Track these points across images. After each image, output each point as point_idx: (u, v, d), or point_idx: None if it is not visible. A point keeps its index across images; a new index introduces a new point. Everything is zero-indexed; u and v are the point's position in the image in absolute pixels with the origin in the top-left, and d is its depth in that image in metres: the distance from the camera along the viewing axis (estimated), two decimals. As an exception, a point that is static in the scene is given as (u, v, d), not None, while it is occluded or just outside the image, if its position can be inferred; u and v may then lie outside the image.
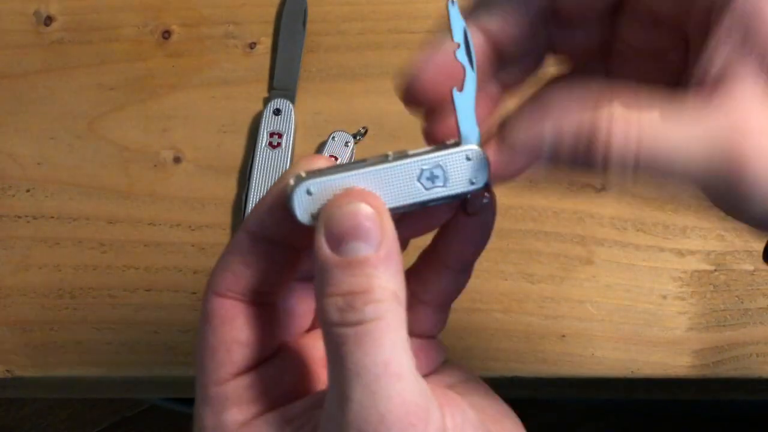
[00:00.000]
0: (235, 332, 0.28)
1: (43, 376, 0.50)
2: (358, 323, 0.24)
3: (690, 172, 0.25)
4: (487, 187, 0.28)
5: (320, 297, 0.25)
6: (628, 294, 0.50)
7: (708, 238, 0.50)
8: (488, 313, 0.50)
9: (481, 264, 0.53)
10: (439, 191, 0.27)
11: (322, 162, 0.27)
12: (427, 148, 0.28)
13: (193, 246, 0.52)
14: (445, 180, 0.27)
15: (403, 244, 0.30)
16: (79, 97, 0.55)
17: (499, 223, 0.55)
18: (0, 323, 0.51)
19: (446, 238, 0.30)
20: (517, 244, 0.51)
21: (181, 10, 0.56)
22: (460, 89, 0.28)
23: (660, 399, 0.54)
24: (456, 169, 0.27)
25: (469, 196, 0.28)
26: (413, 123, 0.53)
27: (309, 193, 0.26)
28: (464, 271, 0.31)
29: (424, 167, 0.27)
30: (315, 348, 0.31)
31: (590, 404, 1.04)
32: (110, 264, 0.52)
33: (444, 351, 0.33)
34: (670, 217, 0.51)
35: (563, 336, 0.49)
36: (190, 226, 0.52)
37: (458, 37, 0.28)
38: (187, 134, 0.54)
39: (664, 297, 0.50)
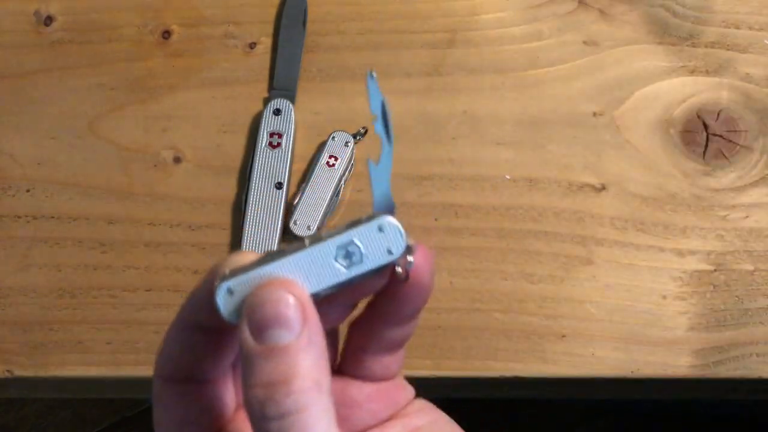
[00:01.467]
0: (182, 413, 0.29)
1: (43, 376, 0.50)
2: (280, 417, 0.24)
3: None
4: (408, 251, 0.28)
5: (244, 388, 0.25)
6: (628, 294, 0.50)
7: (708, 238, 0.50)
8: (488, 313, 0.50)
9: (481, 264, 0.53)
10: (358, 267, 0.27)
11: (248, 257, 0.27)
12: (341, 227, 0.27)
13: (193, 246, 0.52)
14: (362, 255, 0.27)
15: (349, 309, 0.30)
16: (79, 97, 0.55)
17: (499, 222, 0.55)
18: (0, 323, 0.51)
19: (385, 301, 0.30)
20: (517, 244, 0.51)
21: (181, 10, 0.56)
22: (376, 161, 0.28)
23: (660, 399, 0.54)
24: (371, 243, 0.27)
25: (395, 265, 0.28)
26: (413, 123, 0.53)
27: (231, 292, 0.26)
28: (409, 323, 0.31)
29: (339, 246, 0.27)
30: None
31: (590, 404, 1.04)
32: (110, 264, 0.52)
33: (410, 389, 0.33)
34: (670, 217, 0.51)
35: (563, 336, 0.49)
36: (190, 226, 0.52)
37: (376, 109, 0.28)
38: (187, 134, 0.54)
39: (664, 297, 0.50)
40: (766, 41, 0.53)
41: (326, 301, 0.27)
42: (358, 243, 0.27)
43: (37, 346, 0.51)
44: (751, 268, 0.50)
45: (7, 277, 0.52)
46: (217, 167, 0.53)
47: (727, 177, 0.51)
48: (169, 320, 0.50)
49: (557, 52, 0.54)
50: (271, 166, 0.52)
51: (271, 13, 0.56)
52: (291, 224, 0.51)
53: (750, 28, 0.54)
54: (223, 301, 0.26)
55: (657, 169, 0.52)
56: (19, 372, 0.50)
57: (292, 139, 0.52)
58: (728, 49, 0.53)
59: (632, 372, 0.49)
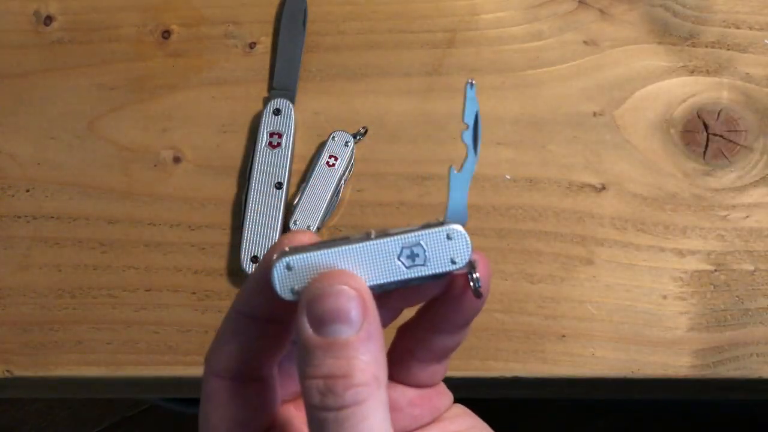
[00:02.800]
0: (233, 411, 0.29)
1: (43, 376, 0.50)
2: (339, 408, 0.25)
3: None
4: (472, 267, 0.28)
5: (302, 378, 0.26)
6: (628, 294, 0.50)
7: (708, 238, 0.50)
8: (488, 313, 0.50)
9: (481, 264, 0.52)
10: (419, 270, 0.27)
11: (306, 237, 0.28)
12: (411, 227, 0.28)
13: (193, 246, 0.52)
14: (425, 259, 0.27)
15: (395, 313, 0.31)
16: (79, 97, 0.55)
17: (499, 223, 0.55)
18: (0, 323, 0.51)
19: (439, 308, 0.30)
20: (517, 244, 0.51)
21: (181, 10, 0.56)
22: (459, 169, 0.27)
23: (660, 399, 0.54)
24: (436, 249, 0.27)
25: (470, 280, 0.28)
26: (413, 123, 0.53)
27: (289, 268, 0.27)
28: (461, 331, 0.31)
29: (404, 245, 0.27)
30: None
31: (590, 404, 1.04)
32: (110, 264, 0.52)
33: (449, 394, 0.33)
34: (670, 217, 0.51)
35: (563, 336, 0.49)
36: (190, 226, 0.52)
37: (469, 119, 0.28)
38: (187, 134, 0.54)
39: (664, 297, 0.50)
40: (766, 41, 0.53)
41: (377, 303, 0.27)
42: (424, 246, 0.27)
43: (37, 346, 0.51)
44: (751, 268, 0.50)
45: (7, 277, 0.52)
46: (217, 167, 0.53)
47: (728, 177, 0.51)
48: (169, 320, 0.51)
49: (557, 52, 0.54)
50: (271, 166, 0.52)
51: (271, 13, 0.56)
52: (291, 224, 0.51)
53: (750, 28, 0.54)
54: (280, 276, 0.27)
55: (657, 169, 0.52)
56: (19, 372, 0.50)
57: (292, 139, 0.52)
58: (728, 49, 0.53)
59: (632, 372, 0.49)
